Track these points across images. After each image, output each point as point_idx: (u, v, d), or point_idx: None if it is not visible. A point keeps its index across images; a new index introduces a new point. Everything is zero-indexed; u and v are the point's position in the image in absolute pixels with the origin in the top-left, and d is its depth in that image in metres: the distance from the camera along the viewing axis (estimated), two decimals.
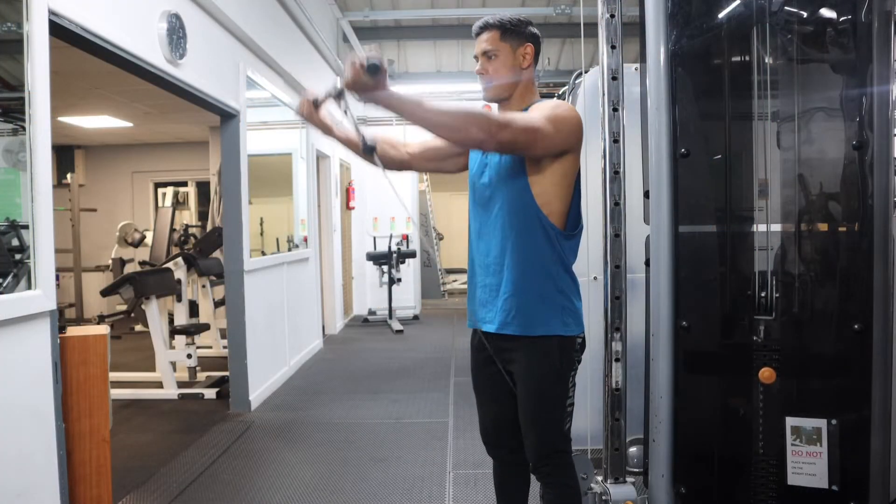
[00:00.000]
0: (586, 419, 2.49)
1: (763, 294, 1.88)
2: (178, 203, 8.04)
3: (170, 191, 8.09)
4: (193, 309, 5.76)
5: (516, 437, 1.84)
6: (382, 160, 1.84)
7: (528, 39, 1.80)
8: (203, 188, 8.28)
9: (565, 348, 1.76)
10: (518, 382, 1.80)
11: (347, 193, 8.10)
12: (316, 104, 1.75)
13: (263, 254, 5.22)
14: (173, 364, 4.74)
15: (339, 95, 1.62)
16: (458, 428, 3.83)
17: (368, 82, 1.49)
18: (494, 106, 1.86)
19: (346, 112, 1.66)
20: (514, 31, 1.78)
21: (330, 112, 1.81)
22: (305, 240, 5.93)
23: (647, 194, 2.01)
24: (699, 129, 1.97)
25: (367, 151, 1.78)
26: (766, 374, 1.84)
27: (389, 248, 7.89)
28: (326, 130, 1.84)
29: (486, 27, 1.79)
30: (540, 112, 1.69)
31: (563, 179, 1.72)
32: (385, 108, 1.54)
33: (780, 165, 1.88)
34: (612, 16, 2.06)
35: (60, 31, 2.34)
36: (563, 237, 1.75)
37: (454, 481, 3.06)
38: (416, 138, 1.97)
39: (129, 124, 6.70)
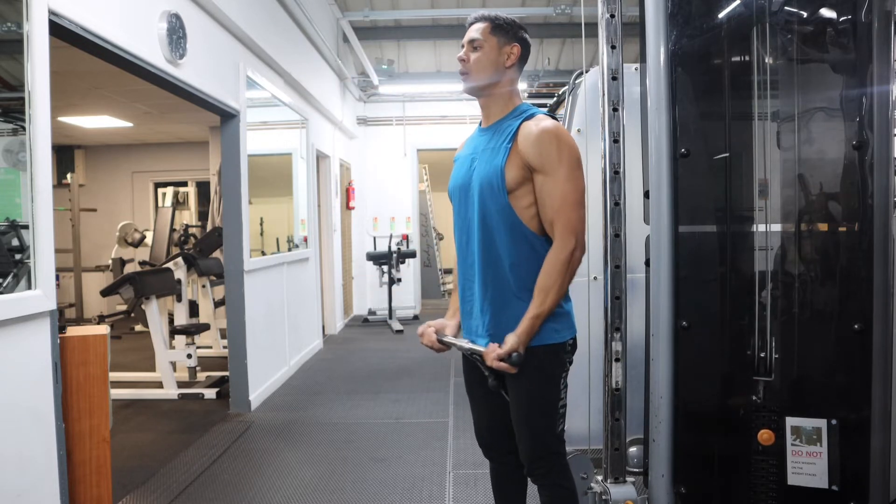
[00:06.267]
0: (586, 419, 2.49)
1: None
2: (178, 203, 8.04)
3: (170, 191, 8.09)
4: (193, 309, 5.76)
5: (512, 438, 1.83)
6: None
7: (516, 40, 1.80)
8: (203, 188, 8.29)
9: (556, 352, 1.75)
10: (510, 385, 1.79)
11: (347, 193, 8.10)
12: (441, 342, 1.88)
13: (263, 254, 5.21)
14: (173, 364, 4.75)
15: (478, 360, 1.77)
16: (458, 428, 3.83)
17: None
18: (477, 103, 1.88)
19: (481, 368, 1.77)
20: (503, 29, 1.80)
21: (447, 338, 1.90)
22: (305, 240, 5.93)
23: (647, 194, 2.01)
24: (699, 129, 1.97)
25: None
26: (765, 436, 1.86)
27: (389, 248, 7.89)
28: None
29: (478, 19, 1.82)
30: (555, 173, 1.69)
31: None
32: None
33: (780, 165, 1.88)
34: (612, 16, 2.06)
35: (60, 31, 2.34)
36: (550, 244, 1.73)
37: (454, 481, 3.06)
38: None
39: (129, 124, 6.70)
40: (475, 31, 1.80)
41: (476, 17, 1.83)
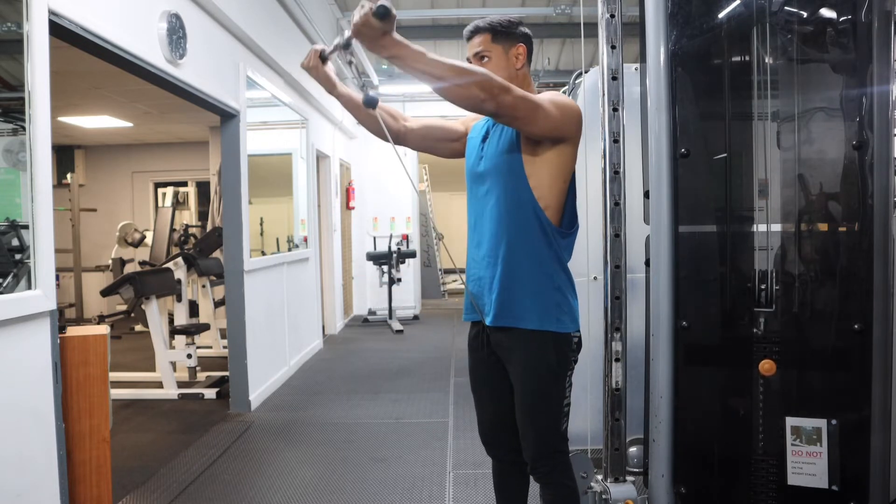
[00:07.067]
0: (586, 419, 2.49)
1: (763, 289, 1.88)
2: (178, 203, 8.03)
3: (170, 191, 8.09)
4: (193, 309, 5.76)
5: (515, 436, 1.84)
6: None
7: (519, 40, 1.80)
8: (203, 188, 8.29)
9: (560, 346, 1.76)
10: (515, 382, 1.80)
11: (347, 193, 8.11)
12: (323, 57, 1.72)
13: (263, 254, 5.22)
14: (173, 364, 4.75)
15: (346, 45, 1.58)
16: (458, 428, 3.83)
17: (377, 27, 1.45)
18: None
19: (350, 63, 1.70)
20: (504, 33, 1.78)
21: (334, 70, 1.79)
22: (305, 240, 5.93)
23: (647, 194, 2.01)
24: (699, 129, 1.97)
25: (369, 104, 1.67)
26: (767, 366, 1.84)
27: (389, 248, 7.90)
28: (330, 86, 1.80)
29: (476, 31, 1.79)
30: (542, 96, 1.70)
31: (559, 172, 1.73)
32: (391, 57, 1.50)
33: (780, 165, 1.88)
34: (612, 16, 2.06)
35: (60, 31, 2.34)
36: (559, 234, 1.75)
37: (454, 481, 3.06)
38: (418, 117, 1.98)
39: (129, 124, 6.70)
40: (478, 45, 1.79)
41: (472, 30, 1.80)
